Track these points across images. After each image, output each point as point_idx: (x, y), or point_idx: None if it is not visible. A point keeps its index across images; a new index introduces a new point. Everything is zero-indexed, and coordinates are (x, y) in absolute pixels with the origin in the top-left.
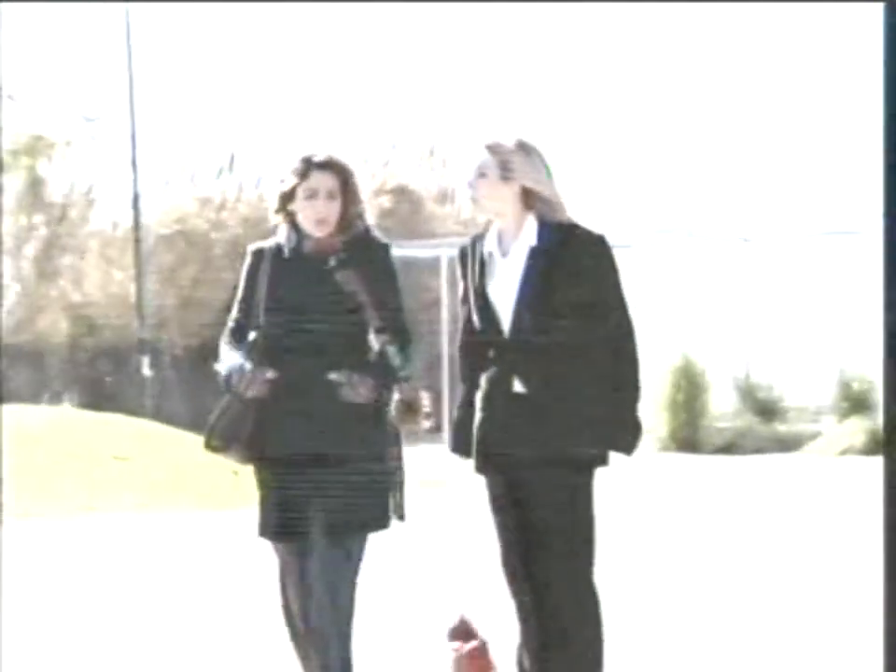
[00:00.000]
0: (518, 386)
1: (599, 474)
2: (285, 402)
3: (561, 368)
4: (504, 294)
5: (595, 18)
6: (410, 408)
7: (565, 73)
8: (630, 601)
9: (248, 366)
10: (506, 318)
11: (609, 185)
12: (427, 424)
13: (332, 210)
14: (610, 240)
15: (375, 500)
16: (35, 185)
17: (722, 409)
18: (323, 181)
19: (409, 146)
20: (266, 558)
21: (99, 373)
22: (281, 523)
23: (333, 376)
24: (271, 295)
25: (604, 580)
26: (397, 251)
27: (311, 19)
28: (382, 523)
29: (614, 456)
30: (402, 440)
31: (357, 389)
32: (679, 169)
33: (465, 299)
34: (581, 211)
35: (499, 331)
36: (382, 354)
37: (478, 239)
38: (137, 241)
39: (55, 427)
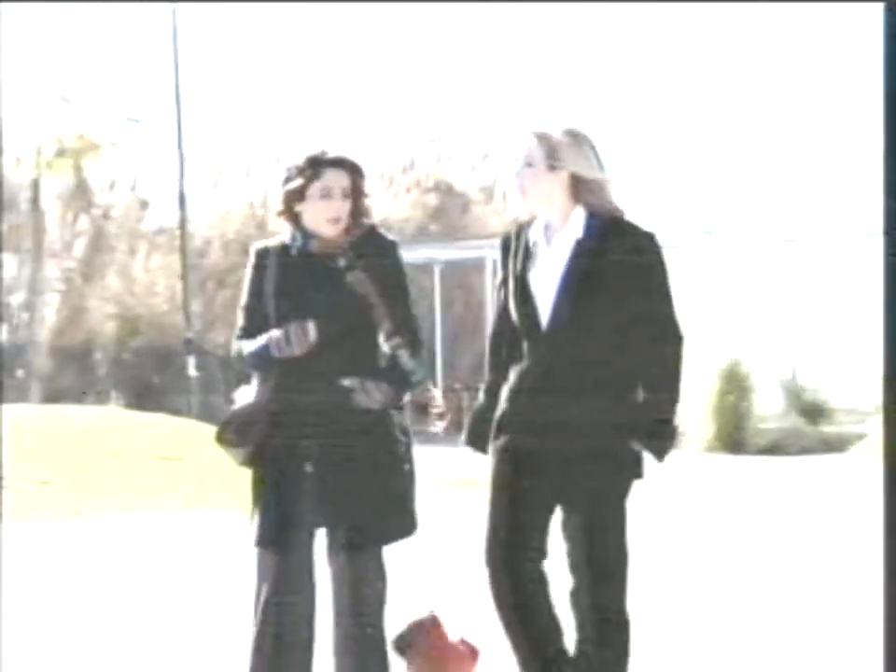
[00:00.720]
0: (550, 381)
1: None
2: (297, 407)
3: (598, 365)
4: (545, 285)
5: (623, 26)
6: (424, 409)
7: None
8: (671, 603)
9: (291, 325)
10: (545, 310)
11: (654, 184)
12: (441, 424)
13: (345, 210)
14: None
15: (396, 508)
16: (81, 186)
17: (768, 410)
18: (337, 179)
19: (454, 144)
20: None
21: (145, 374)
22: (288, 531)
23: (346, 382)
24: (279, 296)
25: (645, 582)
26: (443, 252)
27: (353, 17)
28: (405, 531)
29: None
30: (413, 443)
31: (371, 395)
32: (722, 170)
33: (503, 287)
34: (627, 210)
35: (537, 323)
36: (394, 358)
37: (523, 227)
38: (183, 242)
39: (101, 427)
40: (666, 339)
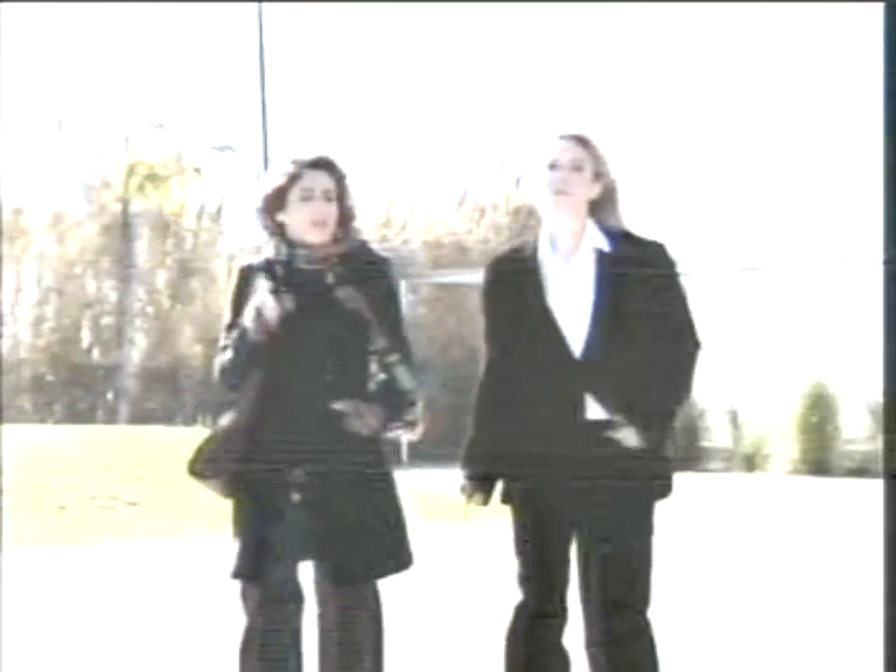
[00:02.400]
0: (594, 412)
1: (726, 495)
2: (284, 431)
3: (638, 389)
4: (571, 306)
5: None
6: (407, 425)
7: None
8: (755, 628)
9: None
10: (573, 334)
11: (735, 206)
12: (418, 431)
13: (330, 212)
14: (739, 263)
15: (391, 540)
16: (169, 211)
17: (855, 432)
18: (318, 181)
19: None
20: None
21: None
22: (271, 563)
23: (339, 406)
24: (264, 317)
25: (727, 604)
26: None
27: (437, 35)
28: (401, 565)
29: (741, 477)
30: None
31: (365, 420)
32: (802, 192)
33: (505, 316)
34: (705, 231)
35: (566, 350)
36: (390, 376)
37: (519, 250)
38: None
39: (188, 448)
40: (685, 343)
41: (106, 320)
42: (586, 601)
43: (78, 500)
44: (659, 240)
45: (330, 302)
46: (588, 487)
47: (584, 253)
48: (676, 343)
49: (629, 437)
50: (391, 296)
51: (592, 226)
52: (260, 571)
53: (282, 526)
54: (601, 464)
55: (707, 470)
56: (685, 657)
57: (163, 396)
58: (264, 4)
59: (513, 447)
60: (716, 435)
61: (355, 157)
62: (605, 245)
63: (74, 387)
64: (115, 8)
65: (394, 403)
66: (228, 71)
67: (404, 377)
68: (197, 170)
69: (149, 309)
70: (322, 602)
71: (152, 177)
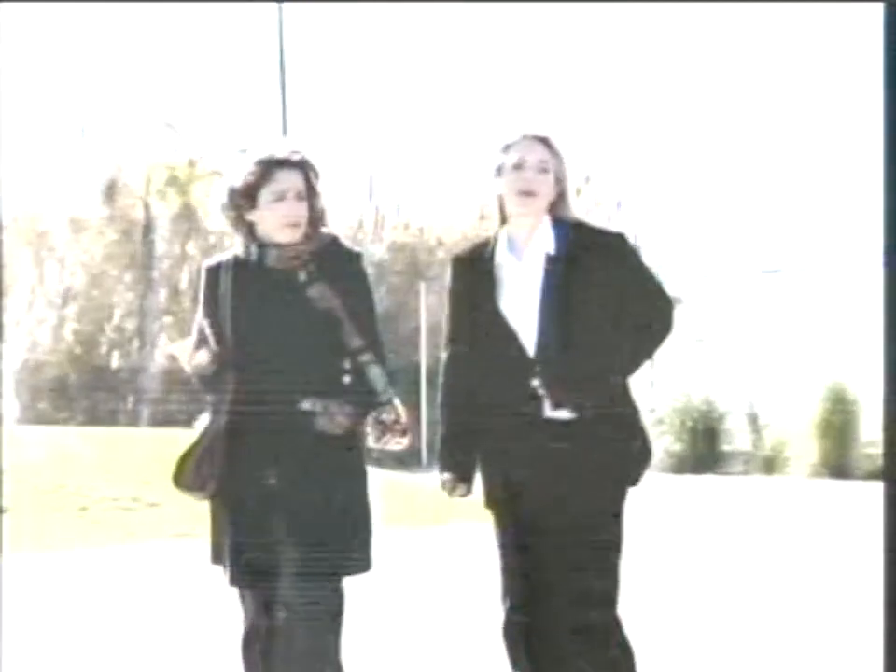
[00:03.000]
0: (552, 411)
1: (748, 500)
2: (254, 435)
3: (593, 382)
4: (521, 306)
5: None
6: (386, 428)
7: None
8: (774, 631)
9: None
10: (525, 334)
11: (754, 208)
12: (404, 442)
13: (302, 212)
14: (760, 264)
15: (358, 540)
16: (188, 214)
17: (876, 434)
18: (290, 180)
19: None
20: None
21: None
22: (255, 568)
23: (307, 405)
24: (236, 315)
25: (745, 607)
26: None
27: (462, 39)
28: (363, 566)
29: (760, 481)
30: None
31: (334, 419)
32: (823, 192)
33: (464, 314)
34: (725, 234)
35: (519, 349)
36: (362, 376)
37: (479, 248)
38: None
39: None
40: (657, 304)
41: (128, 323)
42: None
43: (100, 502)
44: (616, 230)
45: (302, 302)
46: (554, 487)
47: (535, 252)
48: (645, 308)
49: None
50: (364, 293)
51: (545, 224)
52: (253, 576)
53: (262, 529)
54: (562, 463)
55: (727, 473)
56: (701, 660)
57: (185, 398)
58: (284, 4)
59: (480, 445)
60: (736, 438)
61: (372, 160)
62: (552, 245)
63: (95, 390)
64: (133, 10)
65: (363, 403)
66: (248, 73)
67: (376, 377)
68: (217, 172)
69: (171, 311)
70: (286, 601)
71: (173, 180)
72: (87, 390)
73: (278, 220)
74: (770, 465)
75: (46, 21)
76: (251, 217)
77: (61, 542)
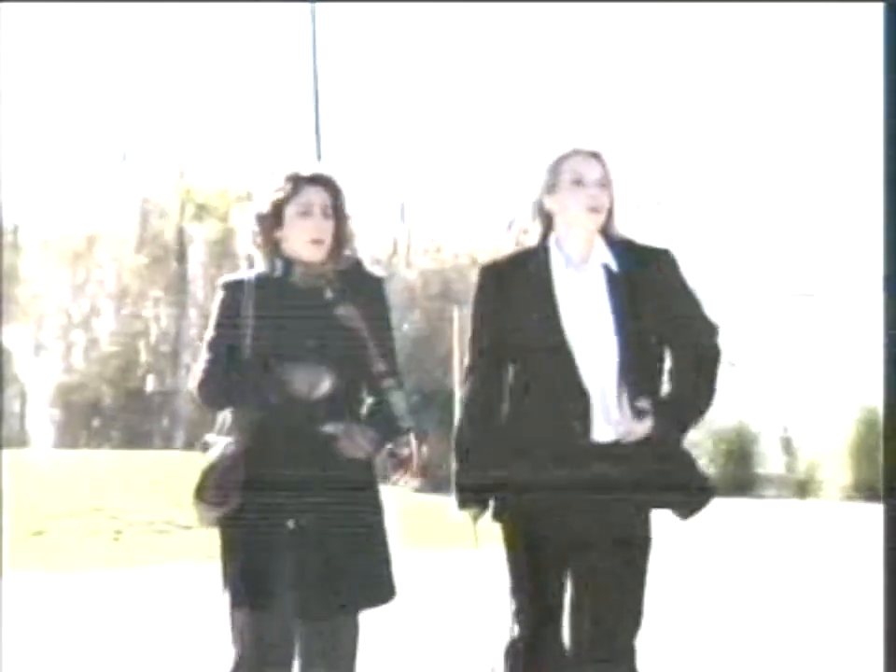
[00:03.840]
0: (601, 433)
1: (781, 523)
2: (276, 457)
3: (659, 399)
4: (583, 322)
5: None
6: (401, 463)
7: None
8: (808, 655)
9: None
10: (583, 350)
11: (789, 232)
12: (416, 483)
13: (328, 229)
14: (793, 289)
15: (379, 571)
16: (223, 238)
17: None
18: (317, 196)
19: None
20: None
21: None
22: (266, 593)
23: (329, 428)
24: (258, 332)
25: (780, 631)
26: None
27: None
28: (384, 597)
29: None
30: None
31: (357, 442)
32: (854, 218)
33: (511, 329)
34: (761, 259)
35: (574, 368)
36: (383, 401)
37: (525, 256)
38: None
39: None
40: (702, 333)
41: (163, 346)
42: (575, 642)
43: (134, 525)
44: (663, 246)
45: (329, 319)
46: (585, 513)
47: (595, 266)
48: (690, 336)
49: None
50: (386, 318)
51: (599, 240)
52: (255, 601)
53: (278, 555)
54: (607, 489)
55: (760, 497)
56: None
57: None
58: (317, 25)
59: (511, 468)
60: (769, 461)
61: (403, 182)
62: (611, 261)
63: (130, 413)
64: (160, 30)
65: (386, 427)
66: (281, 94)
67: (398, 404)
68: (249, 195)
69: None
70: (303, 631)
71: (206, 206)
72: (122, 413)
73: (304, 236)
74: (803, 488)
75: (79, 44)
76: (277, 234)
77: (95, 564)
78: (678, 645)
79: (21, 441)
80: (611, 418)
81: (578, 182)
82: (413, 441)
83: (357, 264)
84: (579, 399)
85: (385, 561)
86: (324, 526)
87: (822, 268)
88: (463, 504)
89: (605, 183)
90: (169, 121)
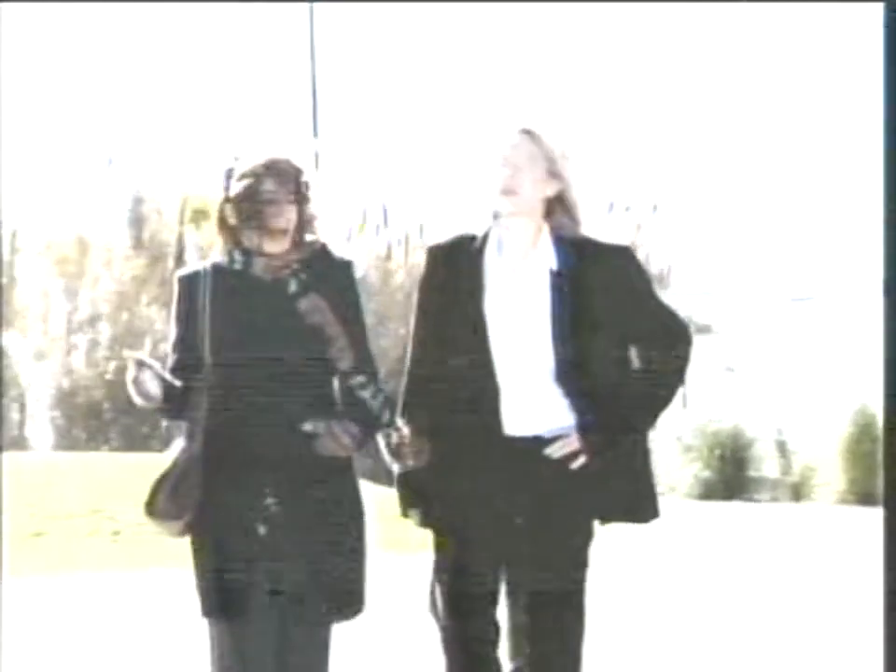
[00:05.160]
0: (515, 427)
1: (776, 526)
2: (247, 457)
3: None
4: (510, 319)
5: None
6: (398, 451)
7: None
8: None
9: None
10: (509, 345)
11: (785, 236)
12: (420, 461)
13: (290, 218)
14: (791, 292)
15: (354, 580)
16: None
17: None
18: (277, 184)
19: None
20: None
21: None
22: (239, 602)
23: (308, 427)
24: (216, 327)
25: (774, 637)
26: None
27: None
28: (356, 609)
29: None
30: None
31: (339, 440)
32: (851, 220)
33: (439, 316)
34: (755, 261)
35: (487, 361)
36: (352, 399)
37: (467, 243)
38: None
39: None
40: (673, 334)
41: (161, 348)
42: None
43: (133, 526)
44: (622, 243)
45: (292, 314)
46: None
47: (537, 265)
48: (660, 337)
49: (558, 450)
50: (355, 306)
51: (546, 234)
52: (229, 611)
53: (249, 562)
54: (526, 487)
55: (755, 500)
56: None
57: None
58: (315, 29)
59: (437, 464)
60: (765, 465)
61: (407, 178)
62: (554, 259)
63: (128, 415)
64: (155, 28)
65: (366, 423)
66: (279, 97)
67: (371, 401)
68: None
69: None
70: (277, 644)
71: (203, 211)
72: (120, 415)
73: (265, 227)
74: (798, 491)
75: (71, 41)
76: (236, 223)
77: (94, 565)
78: (675, 650)
79: (21, 444)
80: (539, 416)
81: (503, 162)
82: (403, 428)
83: (322, 249)
84: (491, 395)
85: (358, 571)
86: (298, 531)
87: (818, 271)
88: (404, 511)
89: (525, 165)
90: (167, 124)
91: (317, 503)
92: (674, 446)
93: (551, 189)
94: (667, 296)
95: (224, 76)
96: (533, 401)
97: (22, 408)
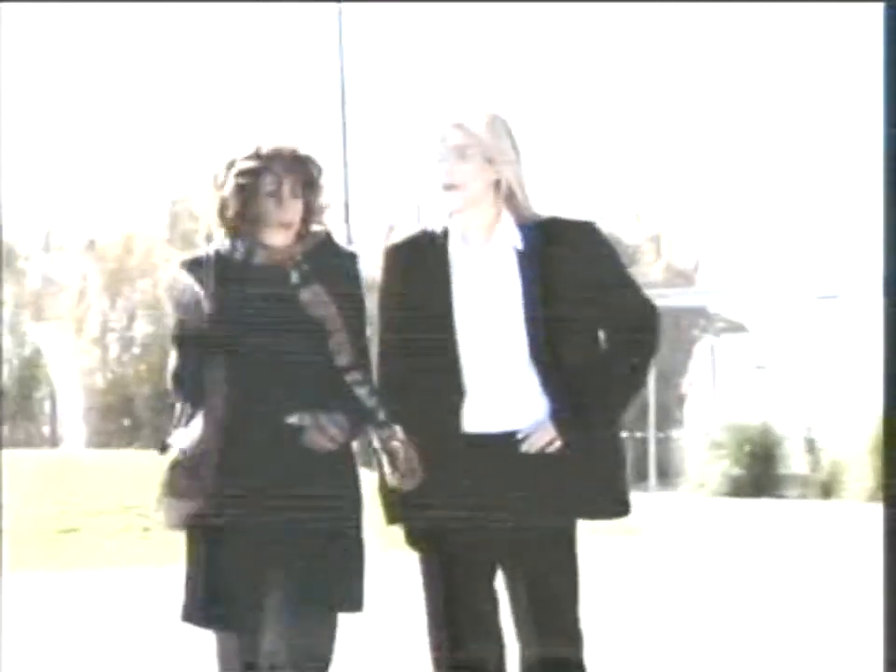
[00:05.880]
0: (475, 423)
1: (805, 523)
2: (241, 453)
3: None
4: (486, 305)
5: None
6: (393, 456)
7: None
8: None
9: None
10: (480, 334)
11: (813, 234)
12: (412, 482)
13: (297, 211)
14: (817, 290)
15: (352, 573)
16: None
17: None
18: (286, 175)
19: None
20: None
21: None
22: (228, 601)
23: (294, 420)
24: (217, 316)
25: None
26: None
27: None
28: (355, 603)
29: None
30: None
31: (327, 433)
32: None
33: (407, 312)
34: (783, 259)
35: (454, 353)
36: (350, 394)
37: (427, 238)
38: None
39: None
40: (641, 312)
41: None
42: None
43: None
44: (587, 219)
45: (293, 306)
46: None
47: (499, 250)
48: (625, 330)
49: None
50: (357, 300)
51: (507, 217)
52: (217, 613)
53: (247, 561)
54: (498, 483)
55: (784, 497)
56: None
57: None
58: (344, 33)
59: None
60: (794, 462)
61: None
62: (518, 240)
63: (161, 413)
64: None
65: (358, 417)
66: (309, 99)
67: (367, 399)
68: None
69: None
70: (273, 639)
71: None
72: (152, 413)
73: (270, 219)
74: (827, 489)
75: (108, 48)
76: (241, 213)
77: (124, 561)
78: (701, 646)
79: (54, 441)
80: (512, 411)
81: (439, 159)
82: (401, 438)
83: (326, 238)
84: (455, 392)
85: (358, 568)
86: (294, 529)
87: (846, 270)
88: (390, 520)
89: (465, 153)
90: (198, 123)
91: (310, 496)
92: (702, 443)
93: (493, 175)
94: (695, 294)
95: (255, 76)
96: (506, 395)
97: (55, 405)
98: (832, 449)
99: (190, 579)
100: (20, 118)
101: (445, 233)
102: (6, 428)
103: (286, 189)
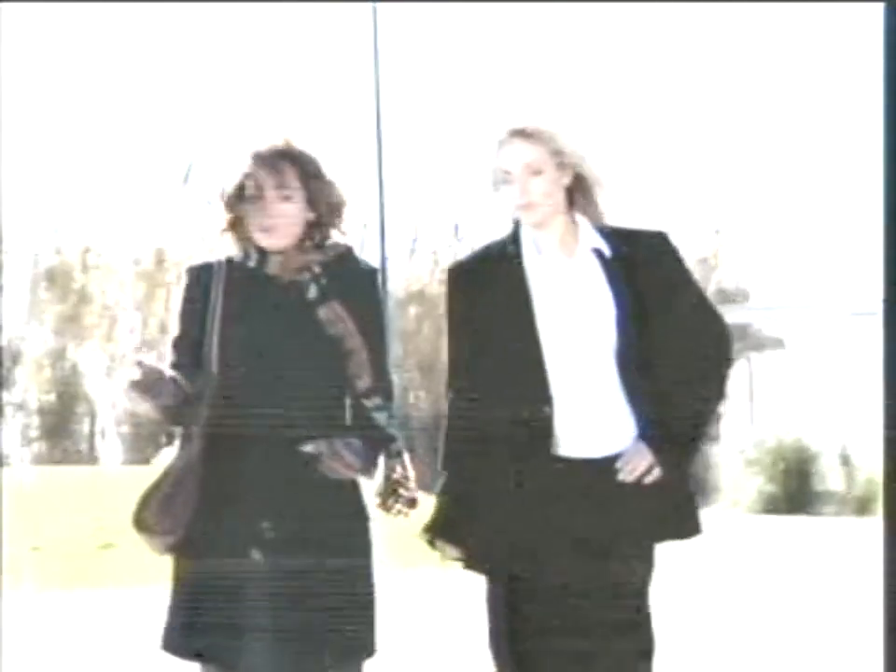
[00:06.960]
0: (569, 448)
1: (840, 541)
2: (242, 479)
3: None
4: (575, 317)
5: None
6: (394, 491)
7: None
8: None
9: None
10: (568, 351)
11: (849, 250)
12: (409, 513)
13: (285, 214)
14: (853, 307)
15: (363, 617)
16: None
17: None
18: (271, 175)
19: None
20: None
21: None
22: (215, 640)
23: (309, 448)
24: (226, 327)
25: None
26: None
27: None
28: (368, 650)
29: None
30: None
31: (343, 460)
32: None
33: (486, 334)
34: (819, 275)
35: (542, 370)
36: (369, 420)
37: (496, 251)
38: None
39: None
40: (709, 329)
41: None
42: None
43: None
44: (659, 229)
45: (310, 323)
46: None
47: (583, 257)
48: (697, 331)
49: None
50: (378, 318)
51: (584, 223)
52: (209, 648)
53: (240, 591)
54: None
55: (819, 514)
56: None
57: None
58: (379, 40)
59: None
60: (829, 479)
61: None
62: (606, 249)
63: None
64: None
65: (376, 444)
66: (341, 104)
67: (386, 426)
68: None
69: None
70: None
71: None
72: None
73: (254, 222)
74: (863, 506)
75: (135, 58)
76: (236, 216)
77: (161, 577)
78: (737, 663)
79: (91, 459)
80: (604, 432)
81: (506, 178)
82: (408, 462)
83: (347, 252)
84: (543, 410)
85: (369, 608)
86: (298, 559)
87: (879, 286)
88: (432, 543)
89: (537, 169)
90: (227, 136)
91: (317, 530)
92: (737, 460)
93: (566, 179)
94: (739, 310)
95: (287, 85)
96: (599, 418)
97: (93, 423)
98: (867, 466)
99: (173, 605)
100: (49, 134)
101: (516, 245)
102: (43, 445)
103: (269, 191)
